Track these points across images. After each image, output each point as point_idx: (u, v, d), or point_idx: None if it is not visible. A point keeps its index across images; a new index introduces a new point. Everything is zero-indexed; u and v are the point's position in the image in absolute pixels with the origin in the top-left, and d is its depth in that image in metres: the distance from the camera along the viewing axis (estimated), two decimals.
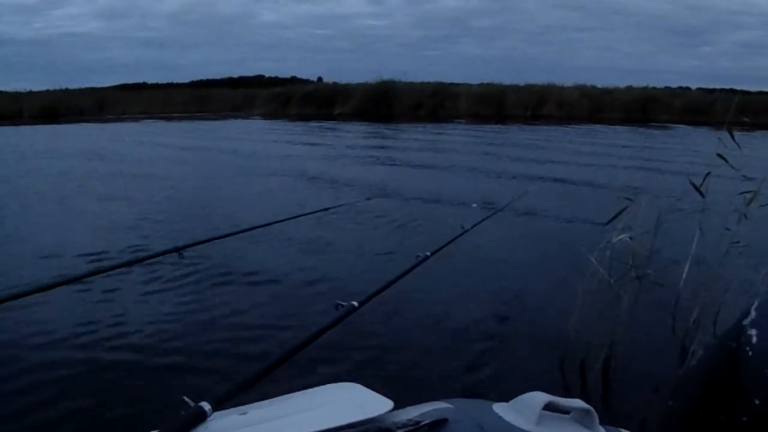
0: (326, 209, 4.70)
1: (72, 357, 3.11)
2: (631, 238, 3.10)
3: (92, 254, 4.85)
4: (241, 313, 3.78)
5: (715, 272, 3.27)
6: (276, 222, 3.69)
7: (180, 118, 28.88)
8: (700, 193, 3.34)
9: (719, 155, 3.28)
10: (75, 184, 9.08)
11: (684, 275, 3.48)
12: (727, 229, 3.29)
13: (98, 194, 8.24)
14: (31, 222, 6.51)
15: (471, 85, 32.57)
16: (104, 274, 2.59)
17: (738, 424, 0.75)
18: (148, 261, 2.45)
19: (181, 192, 8.45)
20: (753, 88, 30.45)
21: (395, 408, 1.07)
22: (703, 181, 3.33)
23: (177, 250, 2.41)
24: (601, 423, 1.08)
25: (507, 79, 34.03)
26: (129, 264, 2.50)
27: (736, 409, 0.75)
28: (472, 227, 3.27)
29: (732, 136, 3.34)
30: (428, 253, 2.43)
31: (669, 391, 0.97)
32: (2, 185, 8.92)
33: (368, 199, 6.81)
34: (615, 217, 3.20)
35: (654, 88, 32.33)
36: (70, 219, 6.73)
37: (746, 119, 3.95)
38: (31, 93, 34.16)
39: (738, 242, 3.24)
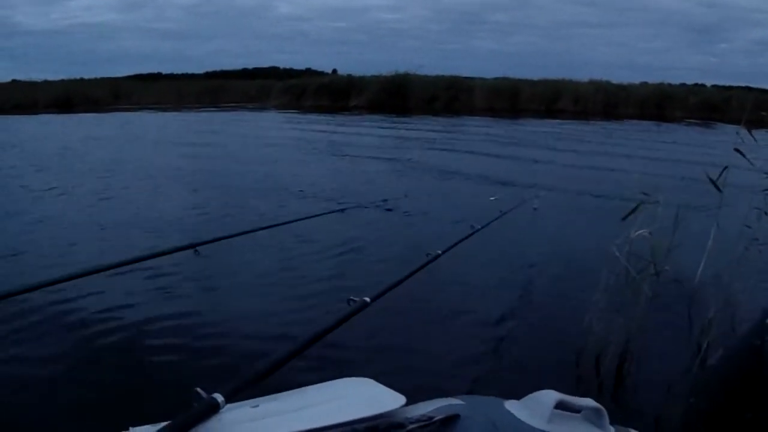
0: (342, 210, 4.71)
1: (84, 349, 3.12)
2: (650, 233, 3.08)
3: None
4: (255, 308, 3.79)
5: (733, 270, 3.24)
6: (292, 221, 3.71)
7: (194, 109, 28.89)
8: (717, 188, 3.30)
9: (737, 150, 3.25)
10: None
11: (699, 272, 3.45)
12: (747, 226, 3.25)
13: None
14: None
15: (486, 79, 32.44)
16: (121, 267, 2.61)
17: (765, 420, 0.74)
18: (164, 256, 2.47)
19: (208, 189, 8.41)
20: None
21: (407, 403, 1.07)
22: (720, 175, 3.29)
23: (193, 246, 2.44)
24: (612, 422, 1.08)
25: (522, 74, 33.81)
26: (145, 258, 2.51)
27: (762, 405, 0.74)
28: (482, 227, 3.28)
29: (750, 132, 3.31)
30: (439, 251, 2.44)
31: (687, 389, 0.97)
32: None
33: (384, 200, 6.80)
34: (630, 213, 3.17)
35: (669, 84, 32.02)
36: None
37: (765, 113, 3.90)
38: (46, 82, 34.33)
39: (757, 239, 3.21)
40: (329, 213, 4.60)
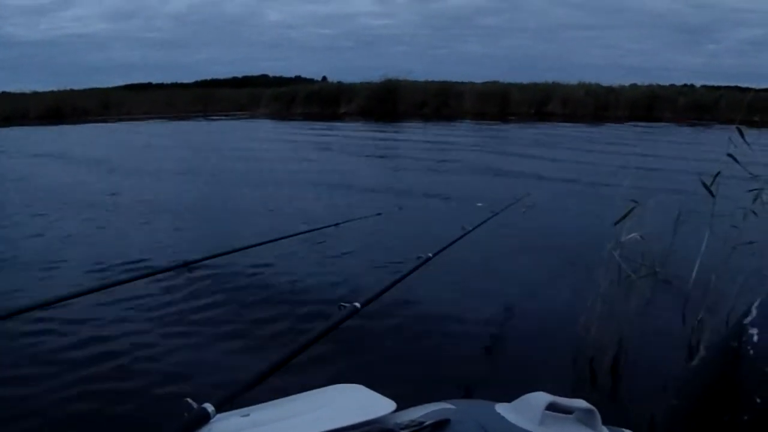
0: (337, 224, 4.69)
1: (76, 366, 3.10)
2: (641, 236, 3.08)
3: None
4: (245, 320, 3.76)
5: (723, 272, 3.26)
6: (285, 237, 3.68)
7: (185, 118, 28.78)
8: (711, 193, 3.32)
9: (729, 155, 3.27)
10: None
11: (693, 274, 3.46)
12: (734, 227, 3.27)
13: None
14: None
15: (475, 84, 32.49)
16: (113, 288, 2.60)
17: (740, 423, 0.75)
18: (157, 275, 2.46)
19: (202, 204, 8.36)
20: (758, 86, 30.31)
21: (398, 409, 1.07)
22: (713, 180, 3.31)
23: (186, 264, 2.42)
24: (604, 423, 1.07)
25: (512, 77, 33.99)
26: (137, 278, 2.49)
27: (738, 408, 0.75)
28: (473, 229, 3.27)
29: (741, 134, 3.32)
30: (430, 254, 2.43)
31: (672, 390, 0.97)
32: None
33: (378, 214, 6.76)
34: (623, 218, 3.18)
35: (659, 86, 32.15)
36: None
37: (756, 118, 3.93)
38: (36, 93, 34.22)
39: (751, 242, 3.22)
40: (325, 228, 4.54)
